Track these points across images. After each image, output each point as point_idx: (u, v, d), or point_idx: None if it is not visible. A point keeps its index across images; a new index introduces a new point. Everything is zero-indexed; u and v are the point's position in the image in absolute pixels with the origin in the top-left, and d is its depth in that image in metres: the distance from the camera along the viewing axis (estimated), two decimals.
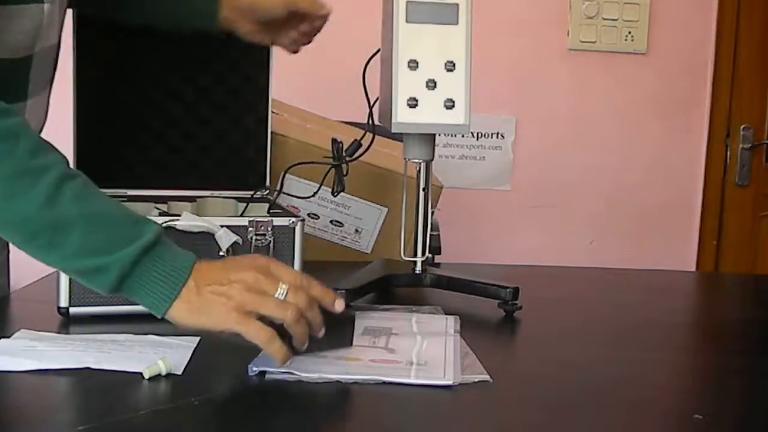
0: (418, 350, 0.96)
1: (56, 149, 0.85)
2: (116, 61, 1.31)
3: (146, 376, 0.85)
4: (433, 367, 0.91)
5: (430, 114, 1.09)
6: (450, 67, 1.09)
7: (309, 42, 1.29)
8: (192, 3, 1.22)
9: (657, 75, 2.51)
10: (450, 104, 1.09)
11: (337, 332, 0.92)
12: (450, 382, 0.87)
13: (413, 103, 1.09)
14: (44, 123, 1.12)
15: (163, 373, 0.86)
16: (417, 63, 1.09)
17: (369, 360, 0.92)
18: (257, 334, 0.84)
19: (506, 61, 2.44)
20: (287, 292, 0.85)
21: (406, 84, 1.09)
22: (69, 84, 1.27)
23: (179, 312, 0.84)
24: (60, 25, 1.07)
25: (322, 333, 0.89)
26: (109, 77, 1.31)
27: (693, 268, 2.59)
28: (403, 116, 1.09)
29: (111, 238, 0.82)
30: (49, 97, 1.12)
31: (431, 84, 1.09)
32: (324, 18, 1.25)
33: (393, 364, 0.92)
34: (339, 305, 0.90)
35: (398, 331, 1.03)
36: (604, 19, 2.47)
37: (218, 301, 0.83)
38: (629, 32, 2.48)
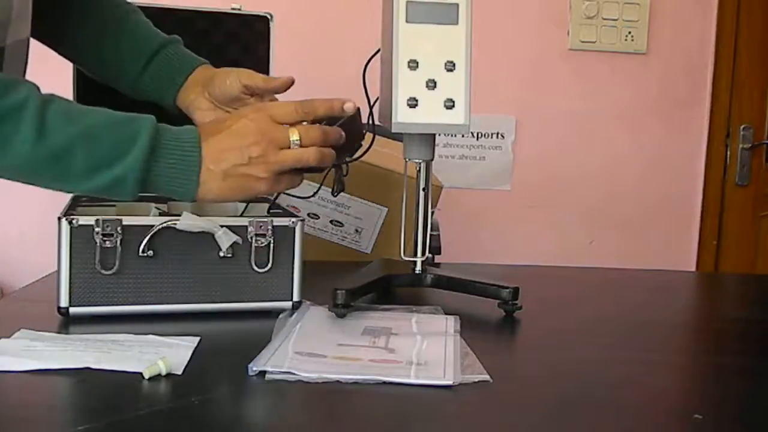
0: (418, 350, 0.96)
1: (24, 80, 0.84)
2: None
3: (146, 376, 0.85)
4: (433, 367, 0.91)
5: (430, 114, 1.09)
6: (450, 67, 1.09)
7: None
8: (153, 68, 1.13)
9: (657, 75, 2.51)
10: (450, 104, 1.09)
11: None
12: (450, 382, 0.87)
13: (413, 103, 1.09)
14: None
15: (163, 373, 0.86)
16: (417, 63, 1.09)
17: (369, 360, 0.92)
18: (294, 182, 0.95)
19: (506, 61, 2.44)
20: (299, 137, 0.91)
21: (406, 84, 1.09)
22: (68, 82, 1.27)
23: (210, 194, 0.89)
24: (29, 19, 1.04)
25: (342, 141, 0.97)
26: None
27: (693, 268, 2.59)
28: (403, 116, 1.09)
29: (113, 146, 0.83)
30: None
31: (431, 84, 1.09)
32: (276, 92, 1.15)
33: (393, 364, 0.92)
34: (349, 107, 0.99)
35: (398, 331, 1.03)
36: (604, 19, 2.47)
37: (248, 180, 0.89)
38: (629, 32, 2.48)
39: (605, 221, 2.55)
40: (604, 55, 2.49)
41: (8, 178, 0.84)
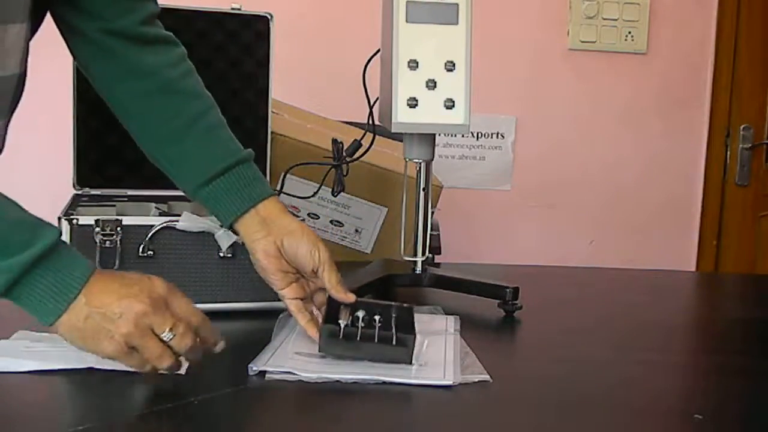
0: (418, 350, 0.96)
1: None
2: None
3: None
4: (433, 367, 0.91)
5: (430, 114, 1.09)
6: (450, 67, 1.09)
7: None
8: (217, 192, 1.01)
9: (657, 75, 2.51)
10: (450, 104, 1.09)
11: (396, 349, 0.92)
12: (450, 383, 0.87)
13: (413, 103, 1.09)
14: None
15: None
16: (417, 63, 1.09)
17: (367, 360, 0.92)
18: (137, 366, 0.83)
19: (506, 61, 2.44)
20: (174, 335, 0.81)
21: (406, 84, 1.09)
22: (69, 84, 1.27)
23: (66, 330, 0.81)
24: (21, 55, 0.95)
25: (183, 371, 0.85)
26: None
27: (693, 268, 2.59)
28: (403, 116, 1.09)
29: (4, 241, 0.78)
30: (7, 127, 1.00)
31: (431, 84, 1.09)
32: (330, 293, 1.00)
33: (393, 364, 0.92)
34: (219, 347, 0.87)
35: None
36: (604, 19, 2.46)
37: (103, 331, 0.80)
38: (629, 32, 2.48)
39: (605, 221, 2.55)
40: (604, 55, 2.49)
41: None
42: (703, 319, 1.35)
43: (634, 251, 2.51)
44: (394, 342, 0.92)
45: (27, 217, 0.82)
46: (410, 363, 0.92)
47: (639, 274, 1.60)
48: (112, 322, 0.80)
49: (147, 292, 0.82)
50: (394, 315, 0.94)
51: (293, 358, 0.91)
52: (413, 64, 1.09)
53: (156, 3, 1.06)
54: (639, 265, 1.93)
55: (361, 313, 0.94)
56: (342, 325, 0.92)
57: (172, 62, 1.04)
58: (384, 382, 0.87)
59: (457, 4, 1.09)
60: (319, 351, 0.92)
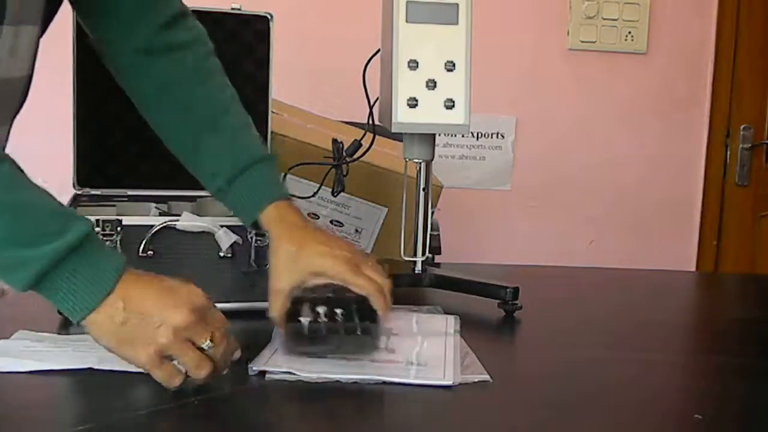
0: (418, 350, 0.96)
1: None
2: None
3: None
4: (433, 368, 0.91)
5: (430, 114, 1.09)
6: (450, 67, 1.09)
7: None
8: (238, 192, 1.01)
9: (657, 75, 2.51)
10: (450, 104, 1.09)
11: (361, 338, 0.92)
12: (449, 383, 0.87)
13: (413, 103, 1.09)
14: None
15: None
16: (417, 63, 1.09)
17: (369, 360, 0.92)
18: (166, 380, 0.81)
19: (506, 61, 2.44)
20: (213, 345, 0.81)
21: (406, 84, 1.09)
22: (69, 83, 1.27)
23: (98, 329, 0.80)
24: (30, 57, 0.96)
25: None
26: (109, 76, 1.31)
27: (693, 268, 2.59)
28: (403, 116, 1.09)
29: (37, 231, 0.76)
30: (9, 131, 0.99)
31: (431, 84, 1.09)
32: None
33: (393, 364, 0.92)
34: (236, 355, 0.85)
35: (398, 331, 1.03)
36: (604, 19, 2.46)
37: (141, 338, 0.79)
38: (629, 32, 2.47)
39: (605, 221, 2.55)
40: (604, 55, 2.48)
41: None
42: (702, 318, 1.35)
43: (635, 251, 2.51)
44: (359, 332, 0.91)
45: (59, 208, 0.81)
46: (376, 350, 0.92)
47: (639, 274, 1.60)
48: (152, 331, 0.78)
49: (187, 302, 0.80)
50: (354, 306, 0.93)
51: (293, 358, 0.91)
52: (413, 64, 1.09)
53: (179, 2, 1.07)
54: (639, 265, 1.93)
55: (322, 309, 0.93)
56: (306, 323, 0.91)
57: (189, 69, 1.04)
58: (384, 382, 0.87)
59: (457, 4, 1.09)
60: (285, 351, 0.92)
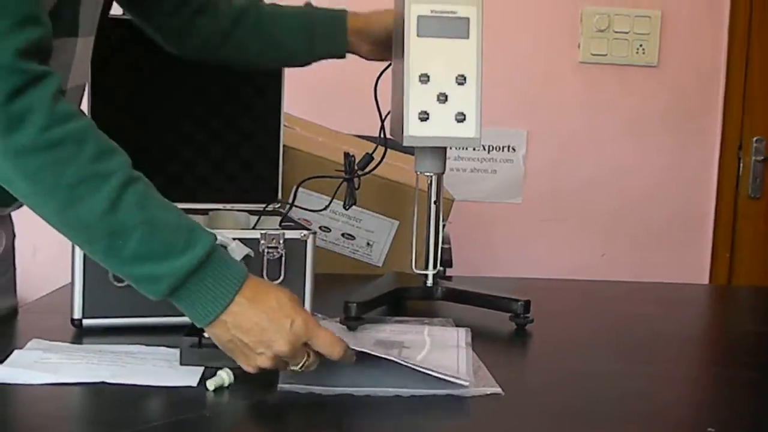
0: (430, 362, 0.96)
1: (120, 151, 0.85)
2: (130, 77, 1.32)
3: (210, 388, 0.86)
4: (447, 370, 0.91)
5: (441, 127, 1.10)
6: (461, 80, 1.09)
7: None
8: (317, 34, 1.25)
9: (668, 87, 2.51)
10: (461, 117, 1.09)
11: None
12: (466, 383, 0.87)
13: (424, 116, 1.09)
14: None
15: (226, 384, 0.87)
16: (428, 77, 1.09)
17: (383, 370, 0.92)
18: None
19: (517, 74, 2.45)
20: (304, 366, 0.87)
21: (417, 97, 1.09)
22: (84, 100, 1.28)
23: (214, 336, 0.87)
24: (89, 66, 1.08)
25: None
26: (122, 94, 1.32)
27: (706, 281, 2.58)
28: (414, 130, 1.09)
29: (167, 245, 0.83)
30: None
31: (442, 97, 1.09)
32: None
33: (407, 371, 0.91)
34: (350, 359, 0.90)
35: (410, 344, 1.03)
36: (615, 32, 2.47)
37: (245, 358, 0.86)
38: (640, 45, 2.48)
39: (618, 234, 2.54)
40: (615, 68, 2.48)
41: (61, 231, 0.84)
42: (715, 331, 1.35)
43: (647, 264, 2.50)
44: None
45: (186, 221, 0.86)
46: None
47: (651, 287, 1.59)
48: (253, 354, 0.85)
49: (288, 334, 0.85)
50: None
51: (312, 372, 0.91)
52: (424, 78, 1.09)
53: None
54: (652, 277, 1.92)
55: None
56: (204, 337, 0.91)
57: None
58: (396, 396, 0.87)
59: (468, 18, 1.10)
60: (180, 363, 0.92)
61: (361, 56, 1.27)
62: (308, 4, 1.28)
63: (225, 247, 1.08)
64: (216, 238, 0.87)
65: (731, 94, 2.53)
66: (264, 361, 0.85)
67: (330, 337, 0.87)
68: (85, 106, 1.27)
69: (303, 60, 1.28)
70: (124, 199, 0.82)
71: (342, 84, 2.25)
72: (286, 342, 0.84)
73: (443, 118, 1.09)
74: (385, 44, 1.22)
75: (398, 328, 1.11)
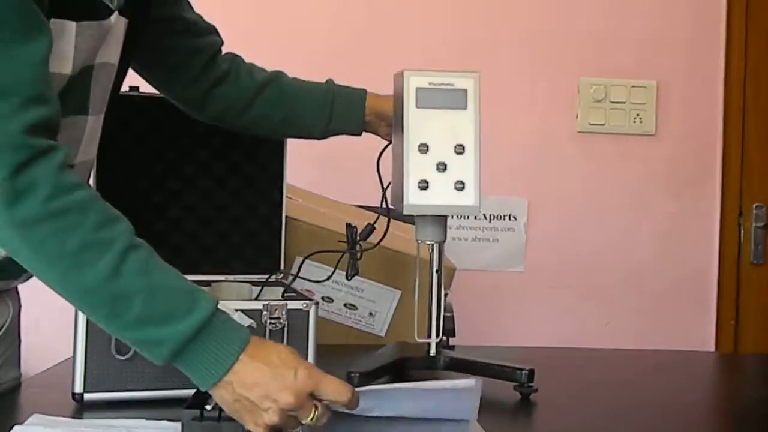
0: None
1: (122, 218, 0.87)
2: (135, 151, 1.34)
3: None
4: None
5: (440, 196, 1.11)
6: (459, 150, 1.11)
7: None
8: (336, 112, 1.29)
9: (666, 155, 2.53)
10: (460, 186, 1.11)
11: None
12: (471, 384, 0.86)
13: (424, 185, 1.10)
14: None
15: None
16: (427, 146, 1.11)
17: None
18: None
19: (516, 143, 2.48)
20: (313, 419, 0.86)
21: (416, 167, 1.11)
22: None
23: (219, 398, 0.87)
24: (97, 142, 1.11)
25: None
26: (127, 166, 1.34)
27: (712, 348, 2.55)
28: (414, 198, 1.11)
29: (169, 309, 0.84)
30: None
31: (441, 166, 1.11)
32: None
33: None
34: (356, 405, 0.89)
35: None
36: (612, 102, 2.51)
37: (249, 414, 0.86)
38: (637, 114, 2.51)
39: (621, 301, 2.53)
40: (613, 137, 2.51)
41: (65, 296, 0.85)
42: (724, 400, 1.33)
43: (651, 331, 2.49)
44: None
45: (186, 286, 0.87)
46: None
47: (657, 355, 1.58)
48: (260, 412, 0.85)
49: (293, 387, 0.85)
50: None
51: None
52: (423, 148, 1.11)
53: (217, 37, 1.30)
54: (656, 345, 1.91)
55: None
56: (206, 409, 0.90)
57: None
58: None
59: (465, 90, 1.12)
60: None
61: (379, 136, 1.31)
62: (330, 81, 1.32)
63: None
64: (217, 302, 0.88)
65: (729, 161, 2.56)
66: (272, 417, 0.85)
67: (336, 383, 0.87)
68: (91, 179, 1.29)
69: (320, 134, 1.32)
70: (126, 265, 0.83)
71: (344, 155, 2.28)
72: (291, 393, 0.84)
73: (443, 187, 1.11)
74: None
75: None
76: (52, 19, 0.89)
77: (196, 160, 1.37)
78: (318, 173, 2.15)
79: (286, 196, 1.41)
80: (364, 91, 1.30)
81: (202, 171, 1.37)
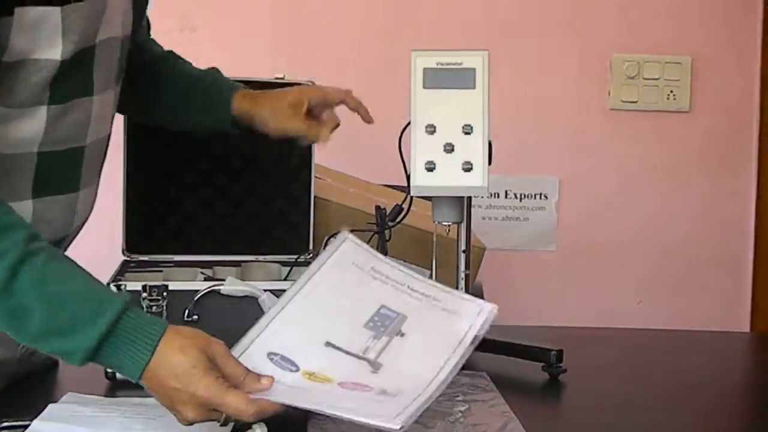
0: (403, 374, 0.87)
1: (17, 226, 0.85)
2: (164, 134, 1.35)
3: None
4: (398, 399, 0.82)
5: (448, 177, 1.10)
6: (467, 130, 1.10)
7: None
8: (211, 101, 1.23)
9: (701, 133, 2.49)
10: (468, 167, 1.10)
11: None
12: (397, 427, 0.77)
13: (431, 166, 1.10)
14: (90, 212, 1.14)
15: None
16: (434, 127, 1.10)
17: (338, 383, 0.86)
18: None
19: (548, 122, 2.45)
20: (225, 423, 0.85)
21: (423, 148, 1.10)
22: (120, 152, 1.31)
23: (149, 387, 0.86)
24: (110, 118, 1.10)
25: None
26: (158, 145, 1.35)
27: (746, 327, 2.52)
28: (421, 180, 1.10)
29: (71, 319, 0.83)
30: (97, 187, 1.13)
31: (449, 147, 1.10)
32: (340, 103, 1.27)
33: (360, 391, 0.85)
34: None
35: (408, 328, 0.93)
36: (645, 78, 2.47)
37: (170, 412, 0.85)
38: (671, 91, 2.47)
39: (653, 280, 2.51)
40: (646, 114, 2.48)
41: None
42: (757, 383, 1.31)
43: (684, 310, 2.46)
44: None
45: (90, 291, 0.85)
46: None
47: (689, 335, 1.57)
48: (173, 412, 0.85)
49: (190, 402, 0.83)
50: None
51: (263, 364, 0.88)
52: (430, 129, 1.10)
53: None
54: (689, 324, 1.89)
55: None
56: None
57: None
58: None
59: (474, 69, 1.11)
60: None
61: (265, 133, 1.23)
62: (214, 69, 1.27)
63: (256, 299, 1.09)
64: (128, 298, 0.87)
65: (766, 139, 2.51)
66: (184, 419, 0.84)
67: (237, 403, 0.82)
68: (120, 160, 1.31)
69: (198, 125, 1.26)
70: (18, 278, 0.81)
71: (372, 133, 2.28)
72: (193, 411, 0.83)
73: (450, 168, 1.10)
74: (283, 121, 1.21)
75: (404, 289, 0.99)
76: (30, 8, 0.86)
77: (226, 140, 1.37)
78: (346, 153, 2.15)
79: (315, 176, 1.41)
80: (236, 87, 1.24)
81: (232, 152, 1.38)
